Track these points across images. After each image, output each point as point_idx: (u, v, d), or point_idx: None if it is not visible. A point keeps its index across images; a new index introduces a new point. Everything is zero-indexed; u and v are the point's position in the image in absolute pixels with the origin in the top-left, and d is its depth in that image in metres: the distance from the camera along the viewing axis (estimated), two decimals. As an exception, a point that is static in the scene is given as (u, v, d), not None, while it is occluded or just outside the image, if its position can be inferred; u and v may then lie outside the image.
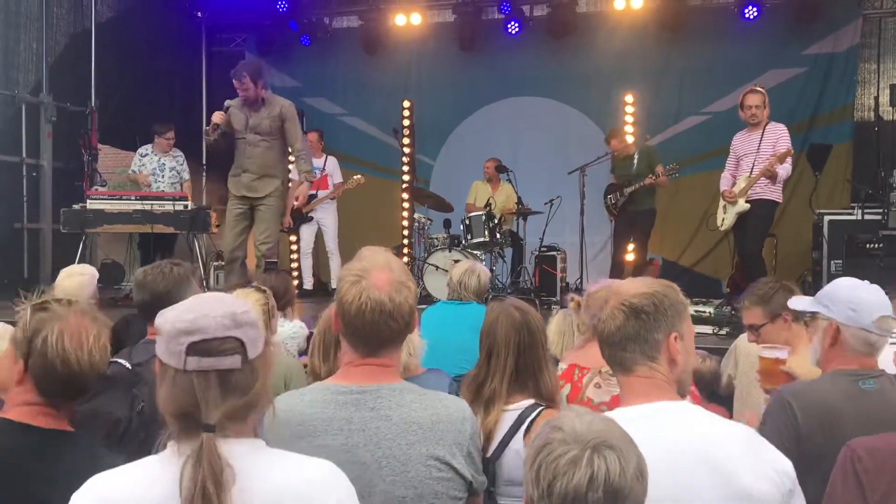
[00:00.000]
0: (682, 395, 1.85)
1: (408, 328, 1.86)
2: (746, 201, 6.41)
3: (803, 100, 9.04)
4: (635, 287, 1.83)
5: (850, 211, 7.77)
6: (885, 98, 8.45)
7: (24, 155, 8.55)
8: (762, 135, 6.41)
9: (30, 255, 8.50)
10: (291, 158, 9.30)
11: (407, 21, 10.19)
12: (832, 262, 7.49)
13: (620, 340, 1.79)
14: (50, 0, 8.78)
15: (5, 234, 8.32)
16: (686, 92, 9.61)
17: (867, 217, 7.39)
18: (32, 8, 8.59)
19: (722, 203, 6.68)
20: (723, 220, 6.68)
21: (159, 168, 8.27)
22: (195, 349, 1.34)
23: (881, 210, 7.11)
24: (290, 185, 8.12)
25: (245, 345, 1.37)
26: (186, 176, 8.41)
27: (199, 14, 10.93)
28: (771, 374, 2.79)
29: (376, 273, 1.81)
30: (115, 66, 9.54)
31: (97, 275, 3.91)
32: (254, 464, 1.36)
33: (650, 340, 1.77)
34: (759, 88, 6.65)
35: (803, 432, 2.22)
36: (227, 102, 6.33)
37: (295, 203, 7.15)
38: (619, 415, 1.75)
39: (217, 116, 6.31)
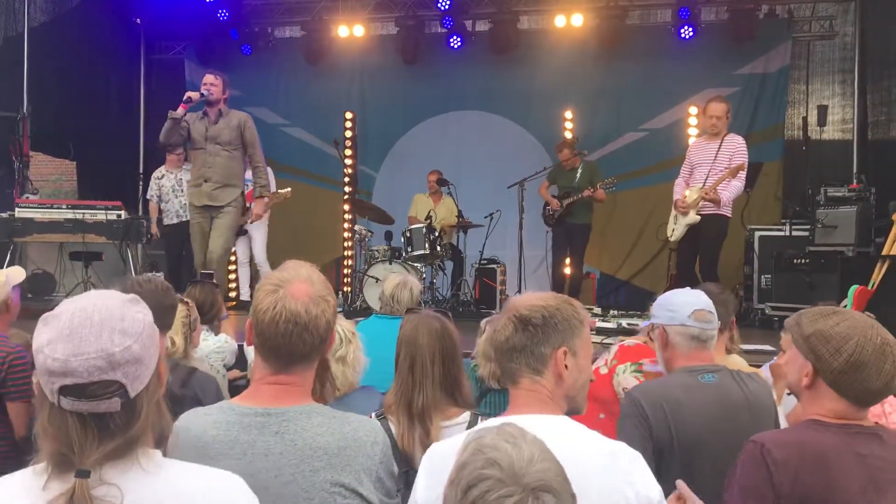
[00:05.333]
0: (578, 411, 1.85)
1: (323, 344, 1.80)
2: (698, 214, 6.34)
3: (737, 118, 9.19)
4: (529, 300, 1.84)
5: (780, 227, 7.96)
6: (813, 118, 8.74)
7: (-51, 160, 8.28)
8: (720, 146, 6.34)
9: (-46, 265, 8.20)
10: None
11: (350, 33, 10.17)
12: (762, 276, 7.68)
13: (508, 351, 1.81)
14: (-21, 2, 8.55)
15: (-72, 242, 8.00)
16: (624, 109, 9.78)
17: (795, 233, 7.58)
18: (-40, 10, 8.34)
19: (673, 213, 6.60)
20: (673, 230, 6.62)
21: (177, 183, 8.34)
22: (68, 391, 1.24)
23: (808, 227, 7.31)
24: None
25: (125, 385, 1.26)
26: None
27: (138, 21, 10.75)
28: None
29: (296, 284, 1.77)
30: (50, 71, 9.29)
31: (13, 280, 3.71)
32: (143, 478, 1.29)
33: (536, 353, 1.78)
34: (723, 98, 6.59)
35: (653, 424, 2.40)
36: (180, 113, 6.23)
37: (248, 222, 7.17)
38: (487, 425, 1.78)
39: (195, 95, 6.26)
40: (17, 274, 3.76)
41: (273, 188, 8.66)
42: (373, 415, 2.49)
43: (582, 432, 1.75)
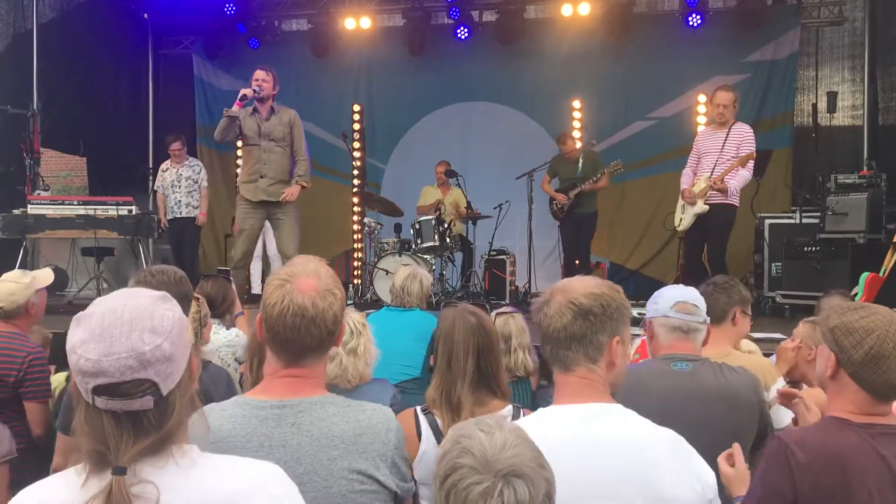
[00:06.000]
0: (615, 397, 1.87)
1: (331, 337, 1.83)
2: (706, 203, 6.31)
3: (746, 105, 9.14)
4: (584, 286, 1.84)
5: (790, 215, 7.92)
6: (822, 105, 8.70)
7: (-39, 158, 8.35)
8: (727, 135, 6.28)
9: (-33, 262, 8.26)
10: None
11: (356, 25, 10.18)
12: (773, 264, 7.66)
13: (565, 339, 1.80)
14: (-12, 1, 8.60)
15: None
16: (632, 97, 9.74)
17: (805, 221, 7.55)
18: (-31, 8, 8.39)
19: (680, 202, 6.56)
20: (681, 220, 6.58)
21: (176, 179, 8.41)
22: (101, 390, 1.26)
23: (818, 214, 7.28)
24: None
25: (157, 384, 1.28)
26: (205, 183, 8.49)
27: (145, 16, 10.78)
28: None
29: (303, 278, 1.79)
30: (58, 68, 9.35)
31: (39, 283, 3.70)
32: (177, 474, 1.31)
33: (595, 342, 1.79)
34: (731, 86, 6.54)
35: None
36: (236, 111, 6.23)
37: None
38: (551, 413, 1.80)
39: (248, 91, 6.23)
40: (44, 277, 3.72)
41: None
42: (418, 409, 2.51)
43: (642, 421, 1.78)
